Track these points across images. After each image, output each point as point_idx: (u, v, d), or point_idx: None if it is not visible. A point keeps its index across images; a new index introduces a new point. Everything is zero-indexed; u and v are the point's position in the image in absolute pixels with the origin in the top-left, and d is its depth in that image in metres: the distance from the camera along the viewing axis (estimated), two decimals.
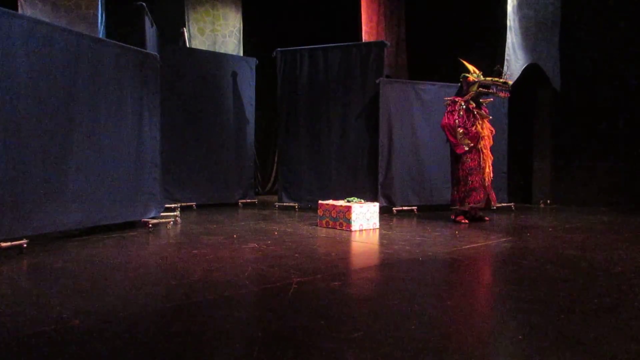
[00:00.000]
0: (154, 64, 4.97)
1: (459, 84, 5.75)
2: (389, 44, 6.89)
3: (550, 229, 5.08)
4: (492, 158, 5.62)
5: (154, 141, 4.98)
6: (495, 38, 7.11)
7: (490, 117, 5.69)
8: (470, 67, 5.67)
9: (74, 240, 4.07)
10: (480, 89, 5.54)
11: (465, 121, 5.44)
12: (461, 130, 5.41)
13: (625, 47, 6.87)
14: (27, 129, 3.60)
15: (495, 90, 5.54)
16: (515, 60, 6.95)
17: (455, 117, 5.46)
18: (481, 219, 5.60)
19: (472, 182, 5.46)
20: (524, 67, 6.85)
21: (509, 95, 5.70)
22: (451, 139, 5.47)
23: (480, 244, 4.16)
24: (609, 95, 7.08)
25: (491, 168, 5.56)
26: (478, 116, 5.51)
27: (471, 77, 5.58)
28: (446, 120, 5.51)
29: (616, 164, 7.03)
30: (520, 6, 6.92)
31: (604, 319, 2.22)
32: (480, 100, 5.66)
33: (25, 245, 3.52)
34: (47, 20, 5.40)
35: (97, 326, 2.06)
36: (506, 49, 6.90)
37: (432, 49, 8.37)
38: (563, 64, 7.30)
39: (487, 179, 5.51)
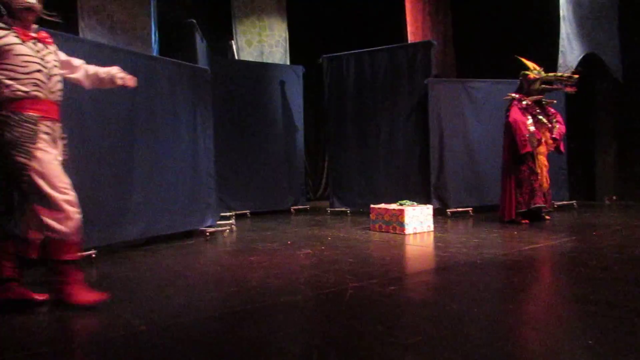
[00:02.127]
0: (205, 78, 5.14)
1: (519, 82, 5.52)
2: (435, 43, 6.78)
3: (617, 227, 4.81)
4: (547, 166, 5.36)
5: (208, 152, 5.14)
6: (549, 29, 6.82)
7: (551, 125, 5.41)
8: (530, 64, 5.44)
9: (137, 250, 4.26)
10: (543, 85, 5.31)
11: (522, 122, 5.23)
12: (532, 129, 5.21)
13: None
14: (94, 149, 3.83)
15: (560, 86, 5.28)
16: (570, 51, 6.63)
17: (525, 113, 5.25)
18: (542, 218, 5.37)
19: (534, 181, 5.23)
20: (580, 57, 6.53)
21: (575, 90, 5.35)
22: (519, 135, 5.17)
23: (541, 245, 4.00)
24: None
25: (547, 175, 5.33)
26: (539, 123, 5.30)
27: (532, 75, 5.34)
28: (514, 115, 5.24)
29: None
30: None
31: None
32: (543, 101, 5.44)
33: (94, 255, 3.72)
34: (105, 42, 5.73)
35: (163, 332, 2.15)
36: (560, 40, 6.60)
37: (480, 45, 8.15)
38: (624, 53, 6.90)
39: (545, 184, 5.29)
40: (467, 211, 6.30)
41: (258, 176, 6.90)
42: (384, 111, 6.62)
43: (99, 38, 6.09)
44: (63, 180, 2.53)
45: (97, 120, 3.88)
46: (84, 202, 2.74)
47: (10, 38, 2.50)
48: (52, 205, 2.47)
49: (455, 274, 3.14)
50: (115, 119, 4.06)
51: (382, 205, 5.17)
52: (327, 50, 7.10)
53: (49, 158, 2.51)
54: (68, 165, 2.70)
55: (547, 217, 5.47)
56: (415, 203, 5.22)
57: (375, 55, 6.70)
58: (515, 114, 5.27)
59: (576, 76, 5.34)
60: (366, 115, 6.70)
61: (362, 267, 3.35)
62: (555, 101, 5.68)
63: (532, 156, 5.24)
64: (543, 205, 5.29)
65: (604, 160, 7.44)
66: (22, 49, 2.52)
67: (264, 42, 8.25)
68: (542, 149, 5.31)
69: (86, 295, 2.53)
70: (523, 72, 5.45)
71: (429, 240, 4.57)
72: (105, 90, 3.92)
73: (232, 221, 5.60)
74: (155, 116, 4.46)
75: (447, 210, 6.23)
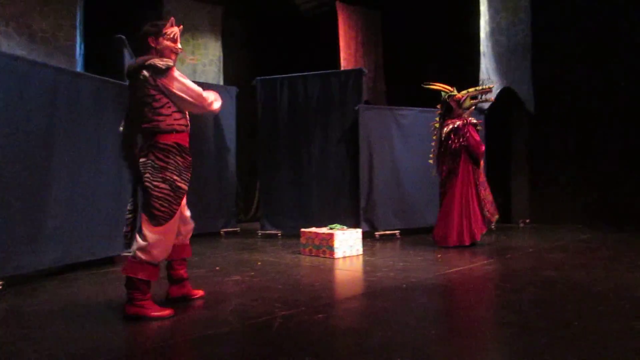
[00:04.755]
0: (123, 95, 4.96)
1: (442, 106, 5.65)
2: (366, 71, 7.02)
3: (530, 250, 5.16)
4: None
5: None
6: (471, 63, 7.30)
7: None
8: (445, 87, 5.61)
9: (52, 279, 3.96)
10: (472, 100, 5.52)
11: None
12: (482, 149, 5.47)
13: (599, 67, 7.09)
14: (4, 168, 3.55)
15: (482, 98, 5.60)
16: (489, 84, 7.13)
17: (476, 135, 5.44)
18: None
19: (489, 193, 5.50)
20: (498, 90, 7.04)
21: (493, 100, 5.76)
22: (480, 157, 5.43)
23: (462, 268, 4.20)
24: (584, 116, 7.28)
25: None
26: None
27: (459, 94, 5.49)
28: (474, 140, 5.37)
29: (591, 182, 7.19)
30: (492, 33, 7.16)
31: (583, 341, 2.25)
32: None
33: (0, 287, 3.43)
34: (24, 54, 5.40)
35: None
36: (480, 74, 7.11)
37: (409, 75, 8.55)
38: (537, 87, 7.51)
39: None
40: (395, 234, 6.49)
41: (187, 197, 6.69)
42: (316, 135, 6.72)
43: (15, 48, 5.73)
44: None
45: (8, 138, 3.60)
46: None
47: None
48: None
49: (382, 300, 3.21)
50: (31, 137, 3.79)
51: (313, 229, 5.21)
52: (262, 73, 7.12)
53: None
54: None
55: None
56: (345, 227, 5.30)
57: (308, 80, 6.81)
58: (472, 139, 5.36)
59: (491, 86, 5.82)
60: (298, 138, 6.76)
61: (292, 294, 3.34)
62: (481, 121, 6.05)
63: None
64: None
65: (518, 185, 7.98)
66: None
67: (197, 60, 8.15)
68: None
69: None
70: (448, 94, 5.55)
71: (358, 264, 4.66)
72: (20, 106, 3.69)
73: None
74: (76, 135, 4.23)
75: (376, 233, 6.39)
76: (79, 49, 6.49)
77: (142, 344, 2.41)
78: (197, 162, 6.70)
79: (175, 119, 2.82)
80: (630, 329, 2.44)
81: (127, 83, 4.91)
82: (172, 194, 2.80)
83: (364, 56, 8.61)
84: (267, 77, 6.97)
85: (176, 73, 2.82)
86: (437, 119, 5.78)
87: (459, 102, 5.51)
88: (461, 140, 5.38)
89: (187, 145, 2.91)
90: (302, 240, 5.22)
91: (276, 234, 6.72)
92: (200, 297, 3.24)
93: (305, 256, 5.06)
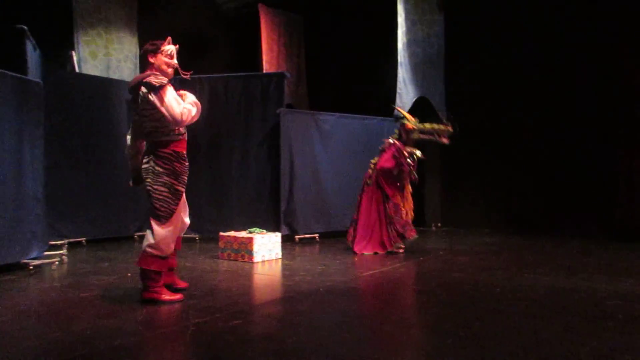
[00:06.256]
0: (36, 91, 4.61)
1: (397, 131, 5.78)
2: (289, 75, 7.04)
3: (440, 252, 5.45)
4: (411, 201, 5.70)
5: (36, 174, 4.58)
6: (389, 72, 7.58)
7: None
8: (407, 115, 5.76)
9: None
10: (421, 135, 5.60)
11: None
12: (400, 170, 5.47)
13: (503, 77, 7.64)
14: None
15: (435, 137, 5.55)
16: (406, 93, 7.48)
17: (400, 163, 5.45)
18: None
19: (403, 214, 5.48)
20: (414, 99, 7.38)
21: (449, 142, 5.68)
22: (385, 182, 5.44)
23: (378, 271, 4.34)
24: (491, 126, 7.80)
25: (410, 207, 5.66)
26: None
27: (409, 125, 5.61)
28: (388, 165, 5.44)
29: (496, 188, 7.74)
30: (409, 44, 7.48)
31: (483, 340, 2.42)
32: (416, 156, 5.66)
33: None
34: None
35: None
36: (398, 83, 7.41)
37: (330, 80, 8.71)
38: (448, 97, 7.96)
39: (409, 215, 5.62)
40: (314, 237, 6.57)
41: (99, 199, 6.31)
42: (237, 138, 6.64)
43: None
44: None
45: None
46: None
47: None
48: None
49: (299, 304, 3.23)
50: None
51: (231, 233, 5.13)
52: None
53: None
54: None
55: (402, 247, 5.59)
56: (264, 230, 5.28)
57: (229, 81, 6.71)
58: (388, 162, 5.45)
59: (450, 129, 5.67)
60: (218, 141, 6.63)
61: (207, 300, 3.27)
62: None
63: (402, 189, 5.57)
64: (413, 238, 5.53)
65: (431, 190, 8.40)
66: None
67: (111, 55, 7.72)
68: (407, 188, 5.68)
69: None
70: (402, 121, 5.74)
71: (277, 268, 4.66)
72: None
73: (64, 251, 5.04)
74: None
75: (296, 236, 6.42)
76: None
77: (48, 357, 2.24)
78: (108, 163, 6.45)
79: (171, 130, 3.17)
80: (527, 327, 2.65)
81: (28, 77, 4.59)
82: (170, 195, 3.16)
83: (287, 60, 8.63)
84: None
85: (167, 93, 3.11)
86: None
87: (408, 132, 5.64)
88: (379, 159, 5.55)
89: (184, 151, 3.29)
90: (221, 244, 5.13)
91: (194, 238, 6.54)
92: (182, 289, 3.46)
93: (223, 261, 4.98)
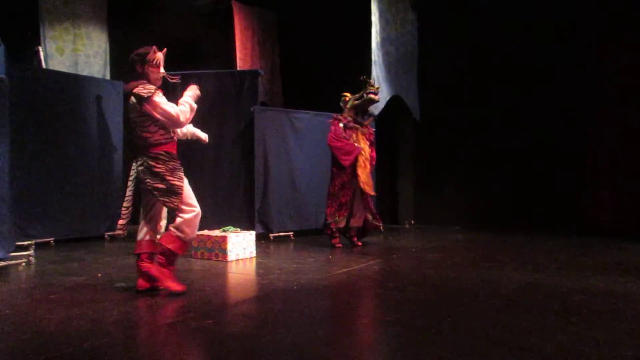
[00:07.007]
0: (0, 88, 4.47)
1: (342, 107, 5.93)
2: (263, 72, 7.01)
3: (413, 249, 5.52)
4: (370, 183, 5.69)
5: (0, 173, 4.44)
6: (363, 70, 7.61)
7: (370, 128, 5.94)
8: (347, 94, 5.91)
9: None
10: (355, 101, 5.75)
11: (344, 136, 5.60)
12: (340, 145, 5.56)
13: (475, 76, 7.79)
14: None
15: (366, 96, 5.70)
16: (380, 91, 7.52)
17: (337, 130, 5.60)
18: (354, 244, 5.75)
19: (342, 195, 5.56)
20: (387, 98, 7.44)
21: (378, 98, 5.92)
22: (336, 151, 5.54)
23: (351, 268, 4.37)
24: (464, 124, 7.94)
25: (369, 187, 5.65)
26: (356, 131, 5.70)
27: (348, 97, 5.84)
28: (330, 135, 5.60)
29: (467, 185, 7.88)
30: (383, 43, 7.54)
31: (454, 336, 2.47)
32: (361, 120, 5.84)
33: None
34: None
35: None
36: (371, 81, 7.44)
37: (305, 78, 8.69)
38: (421, 95, 8.06)
39: (363, 198, 5.65)
40: (289, 235, 6.57)
41: (67, 199, 6.16)
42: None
43: None
44: None
45: None
46: None
47: None
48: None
49: (273, 302, 3.23)
50: None
51: (205, 232, 5.09)
52: None
53: None
54: None
55: (359, 243, 5.80)
56: (239, 229, 5.25)
57: (202, 78, 6.61)
58: (330, 134, 5.62)
59: (376, 85, 6.11)
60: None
61: (180, 300, 3.23)
62: (374, 118, 6.26)
63: (354, 166, 5.57)
64: (356, 225, 5.72)
65: (404, 187, 8.51)
66: None
67: (79, 51, 7.55)
68: (363, 158, 5.67)
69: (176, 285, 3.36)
70: (342, 96, 5.91)
71: (251, 267, 4.64)
72: None
73: (31, 252, 4.89)
74: None
75: (270, 235, 6.41)
76: None
77: None
78: (76, 161, 6.29)
79: (161, 134, 3.37)
80: (496, 322, 2.71)
81: None
82: (170, 190, 3.33)
83: (261, 57, 8.59)
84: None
85: (157, 99, 3.27)
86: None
87: (345, 103, 5.84)
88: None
89: (174, 152, 3.48)
90: (194, 243, 5.08)
91: None
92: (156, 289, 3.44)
93: (196, 260, 4.94)
